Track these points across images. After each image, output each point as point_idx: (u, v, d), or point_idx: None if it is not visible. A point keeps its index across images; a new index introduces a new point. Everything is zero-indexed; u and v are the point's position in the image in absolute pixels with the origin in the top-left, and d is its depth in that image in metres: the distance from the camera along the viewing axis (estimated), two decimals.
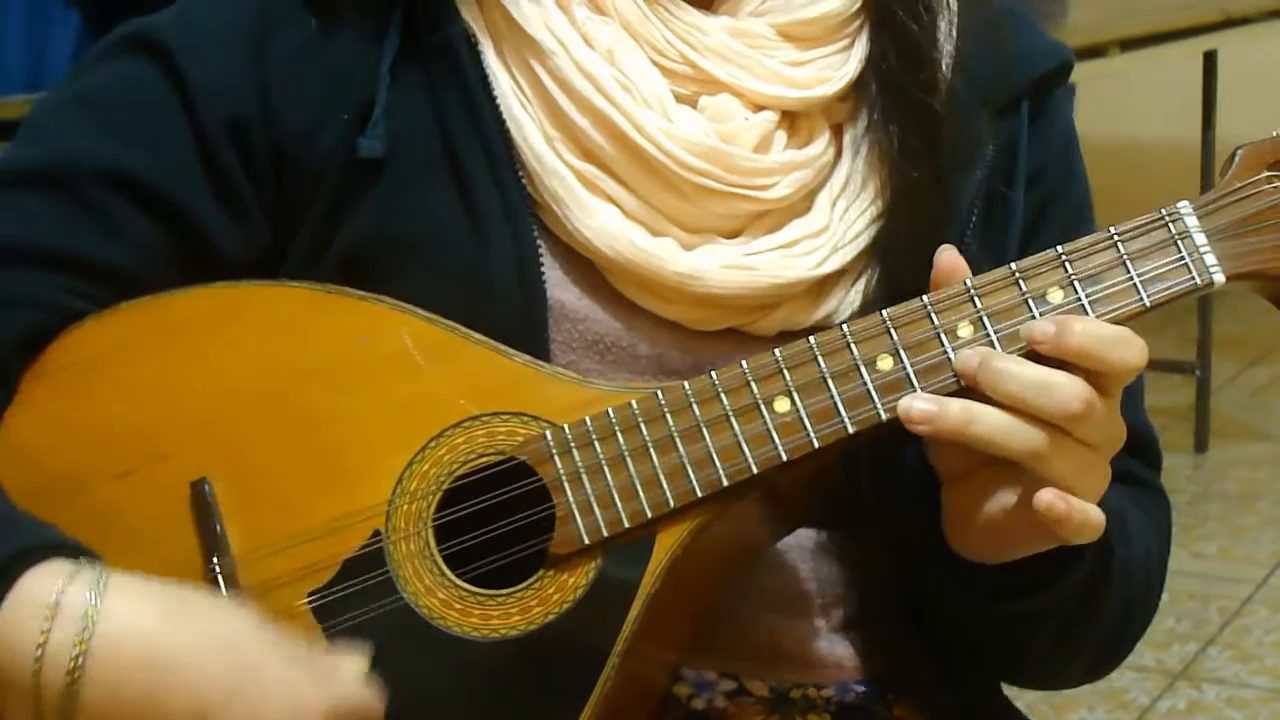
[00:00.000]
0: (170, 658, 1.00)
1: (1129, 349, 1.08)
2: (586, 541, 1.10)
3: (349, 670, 1.05)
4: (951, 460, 1.12)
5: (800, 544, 1.24)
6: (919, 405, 1.08)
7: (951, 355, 1.10)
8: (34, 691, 0.98)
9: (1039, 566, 1.14)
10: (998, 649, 1.24)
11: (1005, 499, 1.11)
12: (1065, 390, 1.07)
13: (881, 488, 1.19)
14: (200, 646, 1.00)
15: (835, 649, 1.26)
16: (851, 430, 1.10)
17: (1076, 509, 1.07)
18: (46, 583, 1.00)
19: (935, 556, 1.17)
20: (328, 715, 1.02)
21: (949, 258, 1.12)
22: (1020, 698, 1.37)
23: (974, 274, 1.12)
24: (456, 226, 1.17)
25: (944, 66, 1.23)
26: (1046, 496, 1.07)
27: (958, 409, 1.07)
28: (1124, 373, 1.09)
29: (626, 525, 1.10)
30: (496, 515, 1.11)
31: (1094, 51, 3.74)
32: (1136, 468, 1.30)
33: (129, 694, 0.98)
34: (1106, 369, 1.08)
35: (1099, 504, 1.16)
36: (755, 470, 1.10)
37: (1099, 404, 1.08)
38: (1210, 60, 4.36)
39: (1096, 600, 1.21)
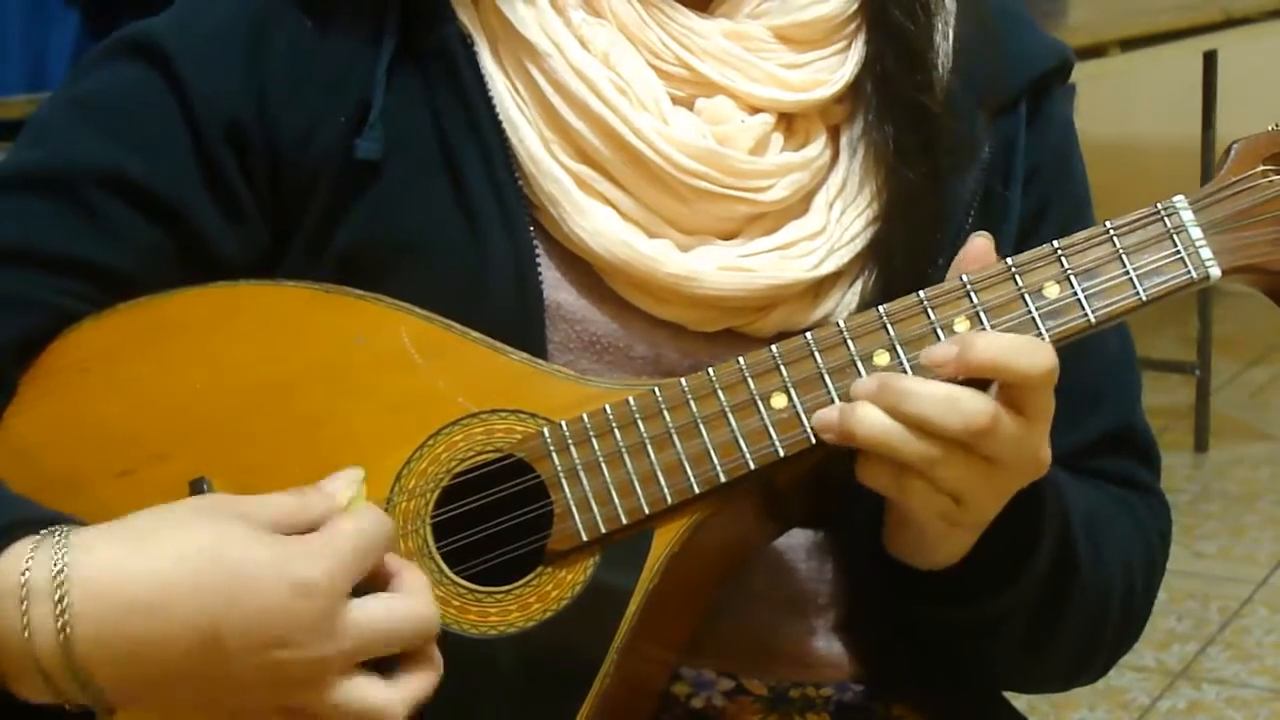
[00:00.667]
0: (155, 590, 0.98)
1: (1036, 354, 1.07)
2: (584, 538, 1.10)
3: (341, 529, 1.02)
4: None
5: (798, 543, 1.24)
6: (826, 416, 1.09)
7: None
8: (40, 670, 0.97)
9: (983, 576, 1.14)
10: (962, 652, 1.24)
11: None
12: (970, 404, 1.06)
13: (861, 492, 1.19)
14: (181, 567, 0.98)
15: (833, 648, 1.26)
16: None
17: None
18: (14, 564, 0.99)
19: (882, 564, 1.17)
20: (335, 581, 1.00)
21: (982, 244, 1.12)
22: (1019, 697, 1.37)
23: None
24: (453, 228, 1.18)
25: (940, 67, 1.23)
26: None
27: (861, 418, 1.07)
28: (1038, 378, 1.07)
29: (624, 522, 1.10)
30: (495, 512, 1.11)
31: (1094, 51, 3.74)
32: (1135, 470, 1.31)
33: (130, 637, 0.97)
34: (1017, 378, 1.07)
35: (1060, 516, 1.16)
36: (753, 466, 1.10)
37: (1006, 419, 1.07)
38: (1210, 60, 4.36)
39: (1058, 612, 1.21)
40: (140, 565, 0.98)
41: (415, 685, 1.03)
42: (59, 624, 0.97)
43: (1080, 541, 1.20)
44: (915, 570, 1.16)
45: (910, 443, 1.06)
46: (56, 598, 0.97)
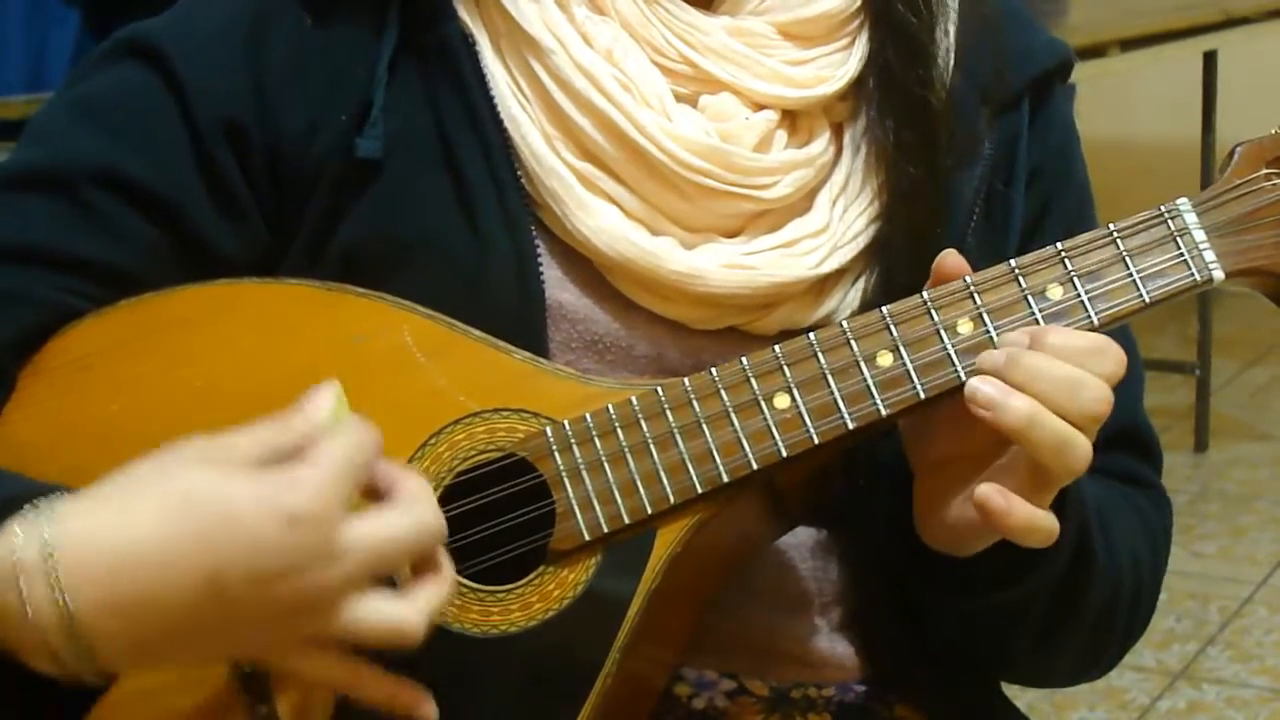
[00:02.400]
0: (142, 548, 0.96)
1: (1104, 359, 1.09)
2: (587, 538, 1.10)
3: (325, 449, 0.99)
4: (930, 450, 1.13)
5: (801, 542, 1.24)
6: (986, 389, 1.07)
7: (952, 351, 1.10)
8: (47, 648, 0.96)
9: (1010, 561, 1.14)
10: (983, 644, 1.24)
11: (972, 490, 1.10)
12: (1091, 391, 1.07)
13: (894, 481, 1.19)
14: (164, 522, 0.97)
15: (836, 648, 1.26)
16: (851, 426, 1.10)
17: (1018, 508, 1.07)
18: (4, 547, 0.97)
19: (911, 551, 1.17)
20: (326, 505, 0.98)
21: (952, 261, 1.12)
22: (1020, 697, 1.37)
23: (974, 272, 1.12)
24: (454, 227, 1.17)
25: (943, 63, 1.23)
26: (986, 490, 1.07)
27: (1024, 408, 1.06)
28: (1107, 383, 1.09)
29: (627, 521, 1.10)
30: (497, 511, 1.11)
31: (1094, 51, 3.74)
32: (1138, 467, 1.31)
33: (129, 600, 0.96)
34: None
35: (1078, 503, 1.16)
36: (755, 466, 1.10)
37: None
38: (1210, 60, 4.37)
39: (1076, 598, 1.21)
40: (123, 527, 0.97)
41: (429, 594, 1.00)
42: (57, 599, 0.96)
43: (1095, 531, 1.20)
44: (938, 559, 1.16)
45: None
46: (47, 573, 0.96)
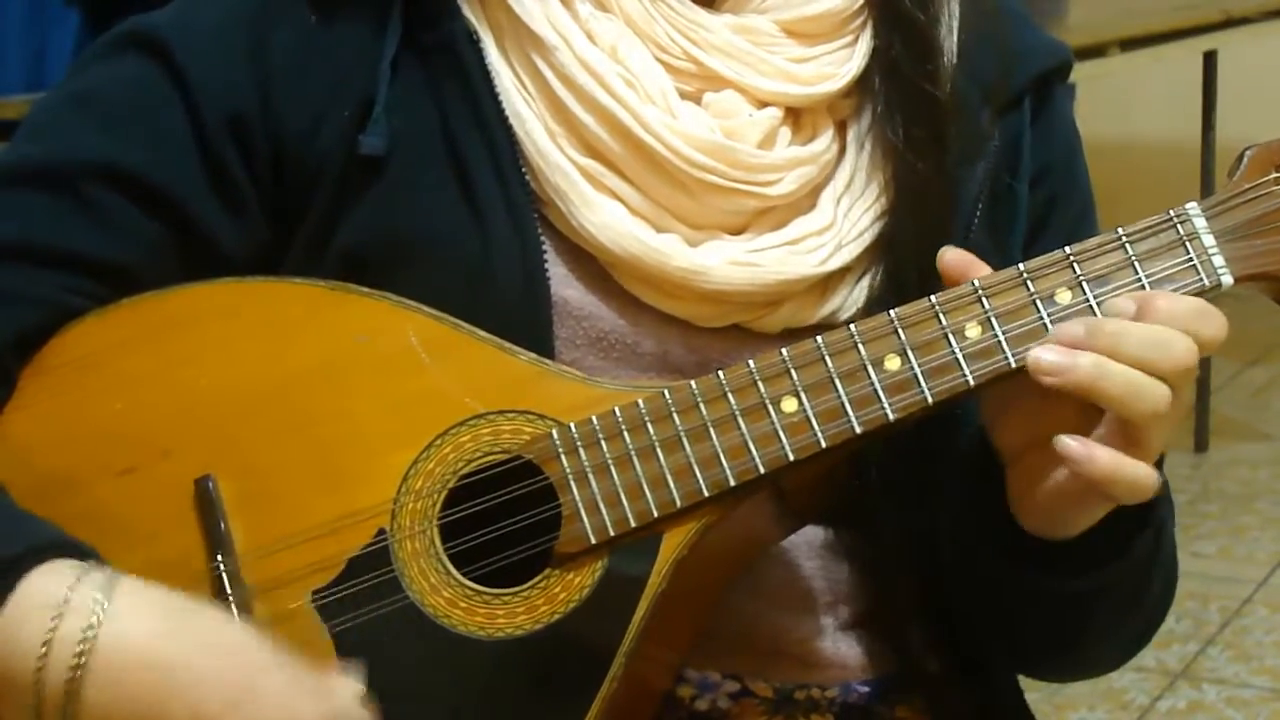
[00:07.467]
0: (173, 662, 0.99)
1: (1208, 321, 1.08)
2: (593, 540, 1.10)
3: (347, 690, 1.05)
4: (1015, 435, 1.12)
5: (806, 542, 1.24)
6: (1048, 357, 1.07)
7: (960, 356, 1.10)
8: (35, 689, 0.97)
9: (1101, 541, 1.14)
10: (1053, 631, 1.23)
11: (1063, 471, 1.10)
12: (1179, 345, 1.07)
13: (902, 481, 1.19)
14: (204, 653, 1.00)
15: (839, 649, 1.26)
16: (859, 430, 1.09)
17: (1099, 455, 1.07)
18: (54, 581, 1.00)
19: (992, 538, 1.16)
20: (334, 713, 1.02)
21: (953, 256, 1.12)
22: None
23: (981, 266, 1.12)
24: (459, 223, 1.17)
25: (948, 60, 1.23)
26: (1063, 439, 1.07)
27: (1089, 363, 1.06)
28: (1207, 346, 1.08)
29: (633, 524, 1.09)
30: (502, 514, 1.10)
31: (1094, 51, 3.74)
32: None
33: (130, 695, 0.98)
34: (1203, 344, 1.08)
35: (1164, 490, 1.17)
36: (762, 470, 1.09)
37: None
38: (1210, 60, 4.36)
39: (1146, 580, 1.22)
40: (170, 634, 1.01)
41: None
42: (79, 649, 0.97)
43: (1166, 517, 1.21)
44: (1027, 544, 1.15)
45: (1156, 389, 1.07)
46: (87, 624, 0.98)
